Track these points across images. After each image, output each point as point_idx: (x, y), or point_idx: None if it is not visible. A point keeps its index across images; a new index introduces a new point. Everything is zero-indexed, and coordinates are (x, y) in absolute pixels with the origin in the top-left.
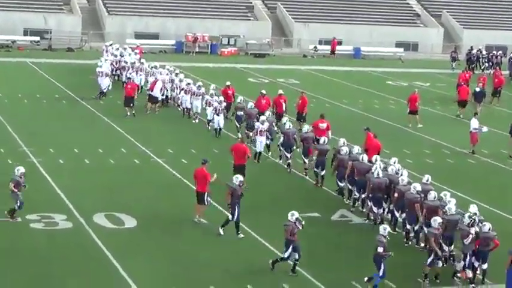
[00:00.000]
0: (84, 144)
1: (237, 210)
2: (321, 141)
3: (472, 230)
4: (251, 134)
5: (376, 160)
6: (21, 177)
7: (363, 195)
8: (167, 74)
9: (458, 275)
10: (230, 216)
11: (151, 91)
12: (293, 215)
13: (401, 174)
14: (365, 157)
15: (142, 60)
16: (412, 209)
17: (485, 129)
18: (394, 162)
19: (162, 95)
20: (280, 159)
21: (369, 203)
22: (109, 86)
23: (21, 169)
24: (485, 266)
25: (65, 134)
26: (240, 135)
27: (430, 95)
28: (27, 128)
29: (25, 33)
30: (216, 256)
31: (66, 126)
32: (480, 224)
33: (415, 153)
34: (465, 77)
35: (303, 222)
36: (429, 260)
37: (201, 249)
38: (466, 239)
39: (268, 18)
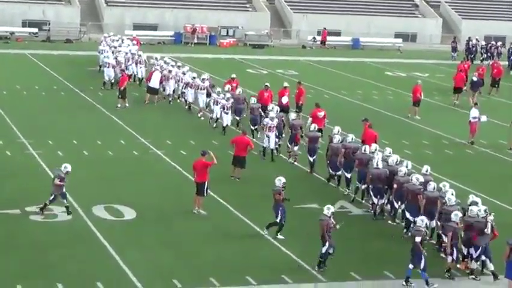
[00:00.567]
0: (83, 136)
1: (280, 212)
2: (311, 128)
3: (489, 220)
4: (258, 129)
5: (375, 149)
6: (66, 174)
7: (363, 186)
8: (165, 66)
9: (458, 266)
10: (278, 219)
11: (149, 82)
12: (329, 209)
13: (407, 166)
14: (367, 148)
15: (140, 52)
16: (414, 200)
17: (484, 118)
18: (390, 153)
19: (164, 89)
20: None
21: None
22: (115, 76)
23: (68, 167)
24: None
25: (64, 126)
26: (242, 128)
27: (429, 85)
28: (26, 120)
29: (23, 24)
30: (216, 248)
31: (65, 118)
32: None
33: (414, 144)
34: (464, 67)
35: (338, 226)
36: (454, 256)
37: (200, 241)
38: (486, 229)
39: (267, 9)
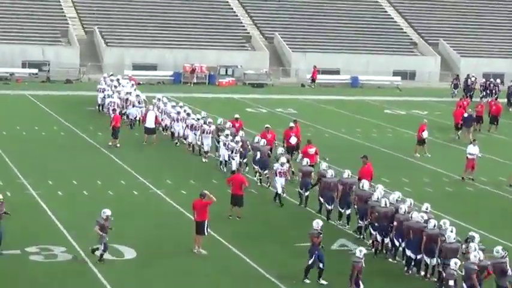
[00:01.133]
0: (83, 176)
1: (315, 256)
2: (304, 162)
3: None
4: (264, 173)
5: (377, 188)
6: (106, 220)
7: (365, 223)
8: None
9: None
10: (310, 261)
11: (145, 123)
12: (361, 251)
13: (410, 204)
14: (365, 184)
15: (138, 92)
16: (415, 237)
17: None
18: (399, 197)
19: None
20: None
21: (372, 232)
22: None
23: (107, 212)
24: None
25: (64, 166)
26: (238, 167)
27: (428, 123)
28: (26, 160)
29: (23, 65)
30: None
31: (65, 158)
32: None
33: (414, 182)
34: (463, 104)
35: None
36: None
37: (201, 281)
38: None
39: (266, 48)
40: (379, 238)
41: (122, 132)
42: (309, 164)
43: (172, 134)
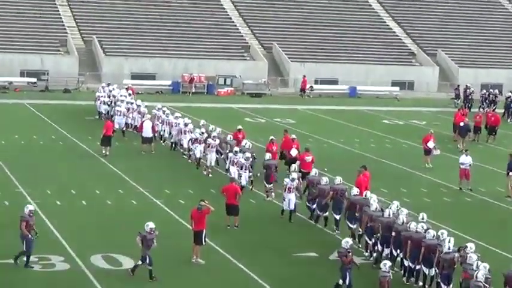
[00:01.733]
0: (81, 185)
1: (348, 276)
2: (292, 169)
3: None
4: (268, 186)
5: (371, 197)
6: (150, 233)
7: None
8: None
9: None
10: (341, 281)
11: (141, 132)
12: (385, 265)
13: (407, 214)
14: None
15: (139, 102)
16: (413, 247)
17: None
18: (398, 206)
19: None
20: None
21: (369, 240)
22: (124, 124)
23: (150, 224)
24: None
25: (62, 175)
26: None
27: (427, 133)
28: (24, 170)
29: (22, 74)
30: None
31: (63, 167)
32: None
33: (412, 192)
34: (461, 115)
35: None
36: None
37: None
38: None
39: (265, 58)
40: (379, 248)
41: (121, 141)
42: (297, 169)
43: (173, 144)
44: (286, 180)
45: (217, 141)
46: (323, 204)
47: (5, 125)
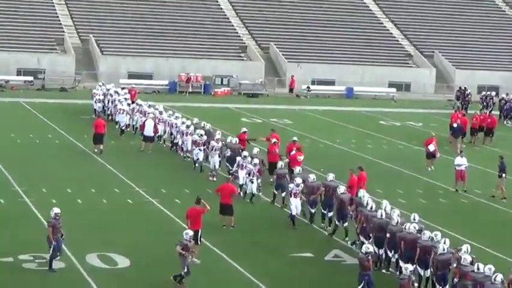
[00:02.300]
0: (77, 184)
1: (363, 282)
2: (279, 165)
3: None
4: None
5: (363, 196)
6: (190, 241)
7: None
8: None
9: None
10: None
11: (142, 131)
12: (407, 269)
13: (399, 214)
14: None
15: (139, 101)
16: (409, 248)
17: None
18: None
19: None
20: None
21: (364, 240)
22: (126, 123)
23: (189, 233)
24: None
25: (58, 174)
26: (230, 177)
27: (423, 134)
28: (20, 168)
29: (18, 73)
30: None
31: (59, 166)
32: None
33: (408, 193)
34: (457, 117)
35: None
36: None
37: None
38: None
39: (261, 58)
40: (376, 249)
41: (118, 140)
42: (284, 167)
43: (173, 144)
44: (291, 185)
45: (220, 143)
46: (311, 200)
47: (1, 124)
